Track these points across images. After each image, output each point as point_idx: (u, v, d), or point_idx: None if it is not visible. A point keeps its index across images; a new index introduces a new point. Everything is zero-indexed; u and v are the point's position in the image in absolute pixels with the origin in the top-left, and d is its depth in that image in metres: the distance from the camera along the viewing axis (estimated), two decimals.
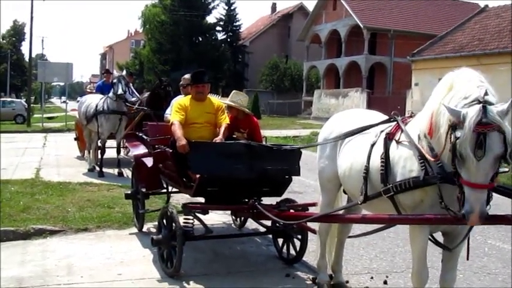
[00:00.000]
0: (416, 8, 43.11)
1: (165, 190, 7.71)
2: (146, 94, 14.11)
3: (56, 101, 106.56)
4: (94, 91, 16.37)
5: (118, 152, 13.54)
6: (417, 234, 4.36)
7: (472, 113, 3.63)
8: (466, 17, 31.99)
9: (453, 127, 3.75)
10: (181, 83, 8.56)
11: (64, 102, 42.10)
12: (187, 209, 6.07)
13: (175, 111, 6.61)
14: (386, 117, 5.09)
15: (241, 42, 58.62)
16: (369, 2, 41.15)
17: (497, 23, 28.67)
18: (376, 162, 4.57)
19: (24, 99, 48.18)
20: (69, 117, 31.96)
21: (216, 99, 7.07)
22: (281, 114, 47.38)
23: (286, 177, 6.42)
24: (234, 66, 56.77)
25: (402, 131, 4.49)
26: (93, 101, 13.55)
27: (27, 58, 49.79)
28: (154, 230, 7.86)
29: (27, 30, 56.93)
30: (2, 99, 47.33)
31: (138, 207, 7.87)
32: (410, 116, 4.71)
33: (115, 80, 12.97)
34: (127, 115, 13.12)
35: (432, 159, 4.04)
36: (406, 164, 4.30)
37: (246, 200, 6.40)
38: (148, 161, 7.34)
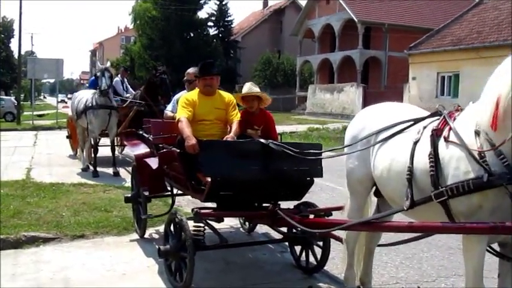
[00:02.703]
0: (411, 2, 42.65)
1: (169, 193, 7.05)
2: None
3: (49, 99, 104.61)
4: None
5: (113, 150, 12.86)
6: (474, 245, 3.72)
7: None
8: (461, 10, 31.53)
9: None
10: (185, 78, 7.67)
11: (62, 101, 40.89)
12: (199, 216, 5.36)
13: (182, 106, 5.94)
14: (425, 111, 4.52)
15: (233, 37, 57.97)
16: None
17: (495, 15, 28.21)
18: (422, 162, 3.96)
19: (14, 97, 47.33)
20: (60, 115, 31.22)
21: (226, 93, 6.38)
22: (275, 110, 46.53)
23: (308, 179, 5.73)
24: (226, 61, 56.03)
25: (451, 127, 3.90)
26: (85, 96, 12.97)
27: (16, 55, 48.83)
28: (156, 236, 7.28)
29: (16, 26, 55.84)
30: None
31: (139, 211, 7.20)
32: (457, 110, 4.12)
33: (98, 74, 12.30)
34: (117, 110, 12.49)
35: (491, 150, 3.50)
36: (459, 164, 3.69)
37: (262, 204, 5.79)
38: (152, 162, 6.65)
